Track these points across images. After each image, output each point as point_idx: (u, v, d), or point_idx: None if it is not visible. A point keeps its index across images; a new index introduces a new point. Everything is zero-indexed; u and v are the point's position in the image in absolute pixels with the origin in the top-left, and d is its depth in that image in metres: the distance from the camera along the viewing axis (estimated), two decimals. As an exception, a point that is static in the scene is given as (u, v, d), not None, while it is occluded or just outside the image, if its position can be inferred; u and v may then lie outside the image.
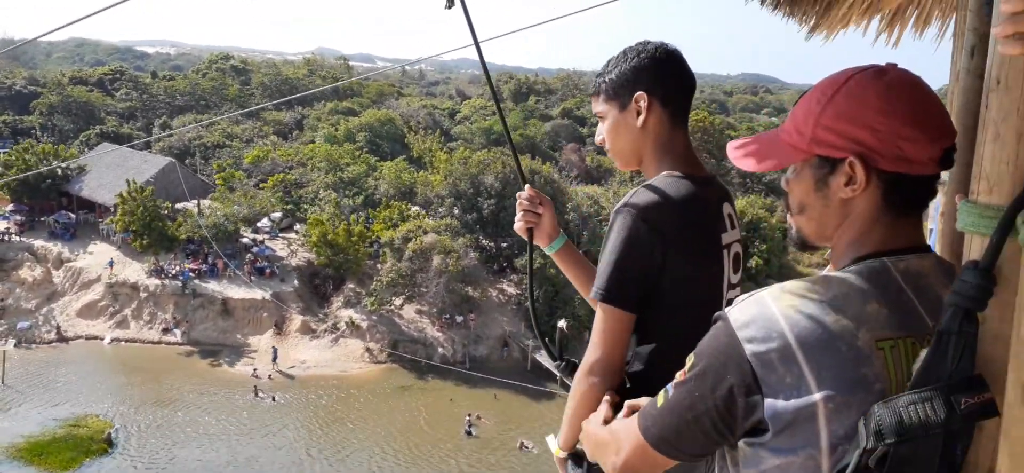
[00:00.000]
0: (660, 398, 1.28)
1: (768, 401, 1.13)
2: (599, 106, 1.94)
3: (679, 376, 1.25)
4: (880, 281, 1.18)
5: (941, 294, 1.17)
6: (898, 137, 1.18)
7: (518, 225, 2.17)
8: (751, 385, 1.14)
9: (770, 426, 1.14)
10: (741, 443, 1.21)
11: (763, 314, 1.15)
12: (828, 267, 1.34)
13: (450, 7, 2.08)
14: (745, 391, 1.15)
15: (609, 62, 1.91)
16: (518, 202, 2.19)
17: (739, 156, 1.39)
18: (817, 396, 1.11)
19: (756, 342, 1.14)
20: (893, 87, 1.20)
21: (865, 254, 1.24)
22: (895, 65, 1.26)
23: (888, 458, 1.15)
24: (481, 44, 2.18)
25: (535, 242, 2.17)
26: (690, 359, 1.24)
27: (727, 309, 1.22)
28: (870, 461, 1.09)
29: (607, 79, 1.89)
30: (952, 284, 1.14)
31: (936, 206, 4.36)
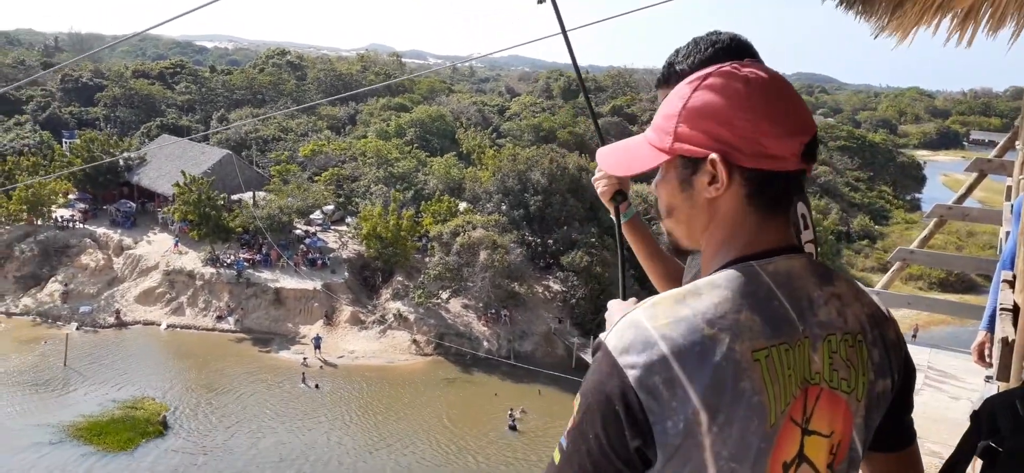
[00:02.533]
0: (556, 454, 1.22)
1: (656, 428, 1.10)
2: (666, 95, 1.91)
3: (570, 423, 1.20)
4: (750, 287, 1.16)
5: (813, 296, 1.19)
6: (757, 133, 1.16)
7: (602, 190, 2.13)
8: (638, 414, 1.10)
9: (660, 454, 1.11)
10: None
11: (640, 337, 1.12)
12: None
13: (541, 2, 2.16)
14: (633, 421, 1.11)
15: (680, 51, 1.87)
16: (596, 172, 2.16)
17: (609, 162, 1.38)
18: (701, 416, 1.08)
19: (638, 368, 1.10)
20: (751, 83, 1.19)
21: (734, 257, 1.21)
22: (753, 61, 1.27)
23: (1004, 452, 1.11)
24: (569, 34, 2.25)
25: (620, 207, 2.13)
26: (577, 400, 1.19)
27: (604, 336, 1.18)
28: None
29: (677, 69, 1.84)
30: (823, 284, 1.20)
31: (1016, 210, 4.16)
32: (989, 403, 1.85)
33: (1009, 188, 7.44)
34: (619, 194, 2.08)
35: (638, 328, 1.13)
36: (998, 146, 9.00)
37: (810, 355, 1.16)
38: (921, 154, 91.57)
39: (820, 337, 1.18)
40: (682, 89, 1.24)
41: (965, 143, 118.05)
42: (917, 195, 71.18)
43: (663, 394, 1.09)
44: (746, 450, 1.10)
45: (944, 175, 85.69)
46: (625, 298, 1.94)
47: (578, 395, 1.19)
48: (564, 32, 2.25)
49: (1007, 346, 2.85)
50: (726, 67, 1.22)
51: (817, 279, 1.22)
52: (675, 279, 2.12)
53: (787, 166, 1.19)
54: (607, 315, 1.90)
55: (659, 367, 1.09)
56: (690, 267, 1.90)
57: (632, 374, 1.10)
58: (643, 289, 2.02)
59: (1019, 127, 8.02)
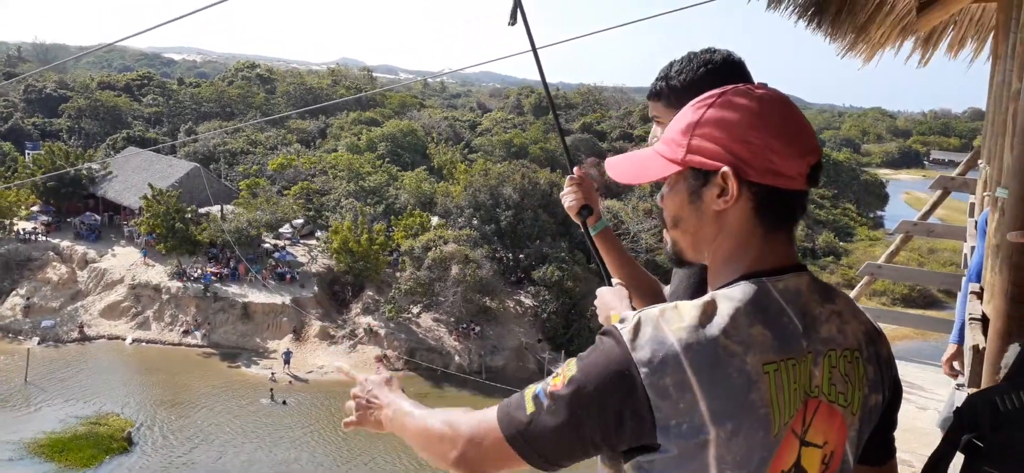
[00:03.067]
0: (529, 403, 1.22)
1: (660, 427, 1.14)
2: (659, 110, 1.92)
3: (556, 383, 1.20)
4: (762, 302, 1.20)
5: (816, 313, 1.24)
6: (768, 150, 1.21)
7: (569, 204, 2.20)
8: (643, 411, 1.13)
9: (660, 450, 1.15)
10: (627, 465, 1.22)
11: (657, 336, 1.15)
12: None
13: (513, 24, 2.22)
14: (637, 417, 1.14)
15: (673, 65, 1.88)
16: (566, 184, 2.23)
17: (618, 172, 1.41)
18: (709, 423, 1.12)
19: (651, 367, 1.13)
20: (764, 103, 1.23)
21: (744, 272, 1.25)
22: (765, 84, 1.31)
23: (985, 446, 1.18)
24: (538, 52, 2.33)
25: (587, 221, 2.20)
26: (571, 369, 1.20)
27: (617, 326, 1.20)
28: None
29: (670, 84, 1.86)
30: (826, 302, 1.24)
31: (980, 226, 4.37)
32: (970, 401, 1.99)
33: (972, 205, 7.71)
34: (585, 208, 2.16)
35: (655, 327, 1.16)
36: (961, 165, 9.31)
37: (812, 370, 1.21)
38: (883, 173, 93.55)
39: (822, 353, 1.22)
40: (697, 103, 1.28)
41: (925, 162, 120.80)
42: (880, 213, 72.61)
43: (672, 395, 1.12)
44: (749, 458, 1.15)
45: (906, 193, 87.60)
46: (610, 285, 2.05)
47: (574, 364, 1.20)
48: (534, 50, 2.32)
49: (978, 354, 2.98)
50: (743, 87, 1.27)
51: (820, 296, 1.26)
52: (644, 288, 2.18)
53: (794, 185, 1.23)
54: (597, 302, 2.02)
55: (672, 369, 1.12)
56: (676, 277, 1.96)
57: (644, 371, 1.13)
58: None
59: (980, 146, 8.34)
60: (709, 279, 1.31)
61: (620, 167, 1.41)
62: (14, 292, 40.36)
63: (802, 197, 1.26)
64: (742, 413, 1.12)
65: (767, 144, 1.20)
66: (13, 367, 33.47)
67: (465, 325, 37.99)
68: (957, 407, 2.01)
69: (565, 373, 1.20)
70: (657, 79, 1.92)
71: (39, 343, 36.58)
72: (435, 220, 43.72)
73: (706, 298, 1.21)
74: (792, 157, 1.21)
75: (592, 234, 2.18)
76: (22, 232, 44.14)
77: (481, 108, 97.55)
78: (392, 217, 44.58)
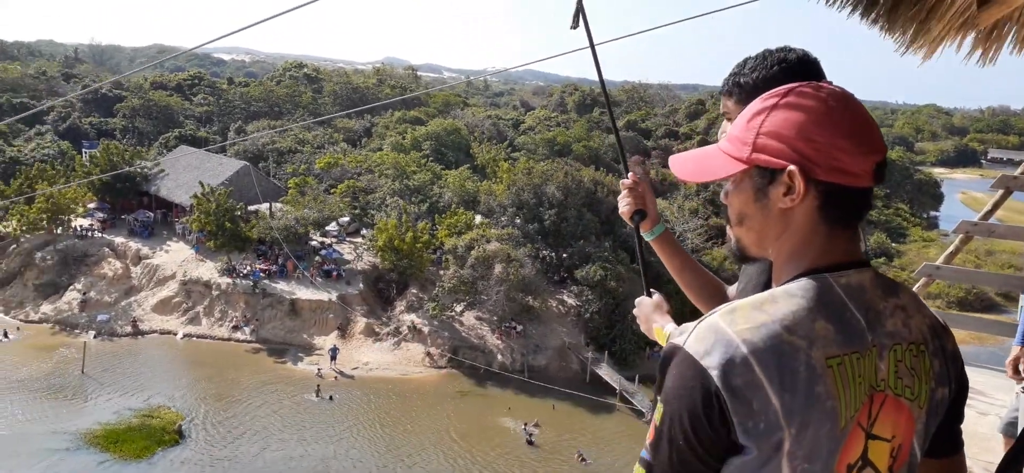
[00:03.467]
0: (638, 471, 1.24)
1: (740, 429, 1.15)
2: (729, 107, 1.93)
3: (651, 434, 1.23)
4: (825, 298, 1.22)
5: (880, 308, 1.26)
6: (834, 149, 1.22)
7: (623, 209, 2.23)
8: (724, 414, 1.15)
9: (744, 452, 1.17)
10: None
11: (722, 340, 1.17)
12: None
13: (575, 27, 2.27)
14: (723, 422, 1.15)
15: (747, 63, 1.90)
16: (621, 188, 2.25)
17: (682, 170, 1.42)
18: (781, 418, 1.14)
19: (721, 369, 1.15)
20: (830, 101, 1.24)
21: (806, 268, 1.26)
22: (831, 82, 1.32)
23: None
24: (597, 50, 2.35)
25: (641, 225, 2.22)
26: (659, 408, 1.23)
27: (680, 339, 1.22)
28: None
29: (742, 81, 1.88)
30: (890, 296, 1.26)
31: None
32: None
33: None
34: (639, 213, 2.19)
35: (719, 332, 1.18)
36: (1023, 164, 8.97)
37: (877, 363, 1.22)
38: (938, 172, 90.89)
39: (887, 346, 1.24)
40: (762, 103, 1.29)
41: (983, 161, 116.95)
42: (934, 213, 70.61)
43: (746, 395, 1.13)
44: (818, 452, 1.16)
45: (962, 193, 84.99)
46: (649, 295, 2.08)
47: (659, 402, 1.22)
48: (593, 49, 2.32)
49: None
50: (807, 85, 1.27)
51: (883, 291, 1.28)
52: (708, 290, 2.18)
53: (860, 182, 1.24)
54: (636, 311, 2.09)
55: (741, 369, 1.14)
56: (743, 276, 1.96)
57: (716, 375, 1.14)
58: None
59: None
60: (773, 275, 1.33)
61: (685, 165, 1.42)
62: (71, 287, 41.68)
63: (867, 194, 1.28)
64: (810, 407, 1.14)
65: (833, 142, 1.22)
66: (70, 359, 34.56)
67: (508, 324, 38.00)
68: None
69: (655, 418, 1.23)
70: (730, 75, 1.92)
71: (95, 336, 37.72)
72: (478, 218, 43.82)
73: (766, 295, 1.24)
74: (858, 155, 1.23)
75: (649, 239, 2.21)
76: (79, 228, 45.57)
77: (524, 106, 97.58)
78: (436, 215, 44.85)
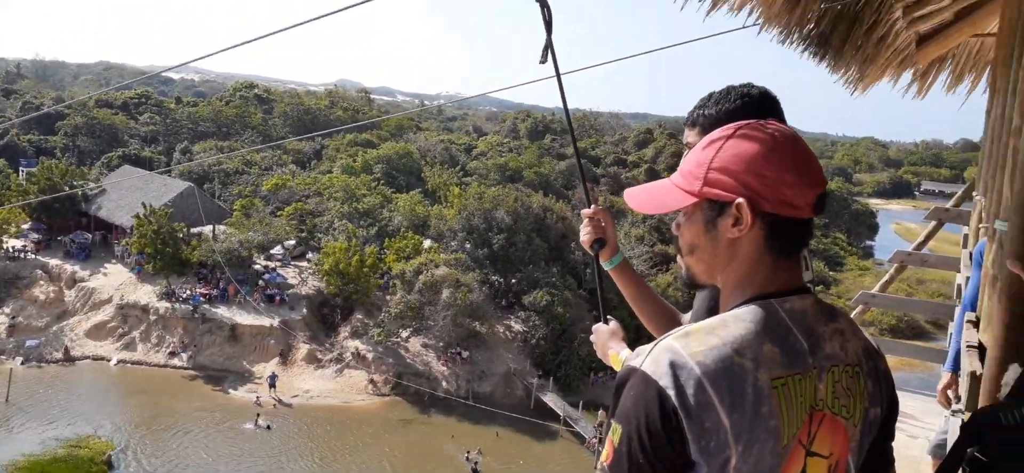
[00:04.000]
0: None
1: (693, 447, 1.20)
2: (693, 138, 1.99)
3: (606, 454, 1.27)
4: (771, 322, 1.28)
5: (820, 332, 1.32)
6: (780, 183, 1.29)
7: (584, 238, 2.27)
8: (679, 434, 1.19)
9: (695, 469, 1.21)
10: None
11: (677, 361, 1.21)
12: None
13: (544, 62, 2.33)
14: (678, 438, 1.20)
15: (711, 96, 1.98)
16: (583, 217, 2.30)
17: (637, 202, 1.49)
18: (730, 437, 1.19)
19: (676, 389, 1.19)
20: (776, 138, 1.32)
21: (752, 294, 1.33)
22: (775, 121, 1.39)
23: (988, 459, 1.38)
24: (555, 81, 2.41)
25: (601, 254, 2.27)
26: (616, 428, 1.26)
27: (636, 361, 1.26)
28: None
29: (707, 113, 1.95)
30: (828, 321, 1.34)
31: (975, 257, 4.44)
32: (975, 417, 2.19)
33: (966, 236, 7.81)
34: (598, 241, 2.24)
35: (674, 353, 1.22)
36: (955, 196, 9.39)
37: (817, 384, 1.28)
38: (874, 202, 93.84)
39: (825, 368, 1.30)
40: (713, 138, 1.36)
41: (916, 192, 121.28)
42: (870, 242, 72.75)
43: (699, 415, 1.18)
44: (761, 468, 1.21)
45: (896, 223, 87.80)
46: (606, 322, 2.15)
47: (615, 422, 1.26)
48: (560, 83, 2.40)
49: (975, 380, 3.08)
50: (755, 123, 1.35)
51: (824, 316, 1.35)
52: (664, 318, 2.24)
53: (802, 214, 1.32)
54: (593, 338, 2.15)
55: (695, 390, 1.19)
56: (697, 302, 2.02)
57: (673, 394, 1.19)
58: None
59: (975, 178, 8.37)
60: (721, 301, 1.40)
61: (640, 197, 1.49)
62: (0, 311, 40.10)
63: (808, 225, 1.35)
64: (756, 426, 1.19)
65: (780, 177, 1.29)
66: (-5, 387, 33.15)
67: (454, 350, 37.81)
68: (963, 422, 2.18)
69: (612, 437, 1.26)
70: (694, 109, 2.01)
71: (23, 363, 36.30)
72: (427, 243, 43.66)
73: (717, 320, 1.29)
74: (801, 188, 1.30)
75: (608, 268, 2.26)
76: (11, 250, 43.96)
77: (477, 131, 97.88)
78: (386, 239, 44.53)
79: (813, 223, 1.38)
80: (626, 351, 2.05)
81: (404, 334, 38.33)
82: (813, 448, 1.28)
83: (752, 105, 1.88)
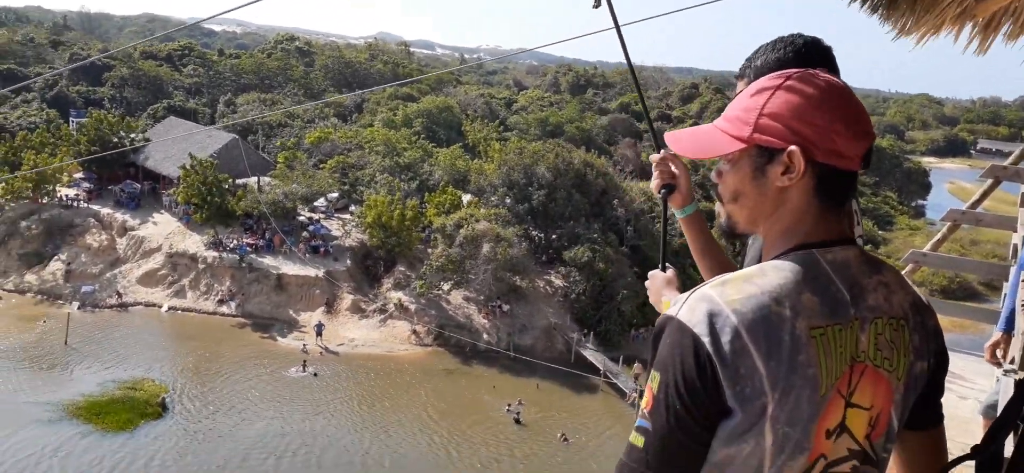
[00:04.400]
0: (636, 439, 1.27)
1: (729, 394, 1.20)
2: (742, 88, 1.95)
3: (646, 401, 1.27)
4: (812, 272, 1.28)
5: (863, 283, 1.32)
6: (832, 132, 1.28)
7: (654, 183, 2.25)
8: (715, 380, 1.20)
9: (732, 416, 1.22)
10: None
11: (714, 310, 1.22)
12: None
13: (597, 6, 2.28)
14: (713, 386, 1.20)
15: (762, 47, 1.96)
16: (653, 163, 2.27)
17: (679, 146, 1.49)
18: (767, 385, 1.19)
19: (711, 337, 1.20)
20: (828, 88, 1.31)
21: (796, 244, 1.33)
22: (824, 71, 1.37)
23: None
24: (607, 32, 2.44)
25: (670, 202, 2.25)
26: (654, 376, 1.27)
27: (673, 310, 1.27)
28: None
29: (757, 63, 1.94)
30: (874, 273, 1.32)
31: None
32: None
33: None
34: (668, 187, 2.22)
35: (710, 302, 1.23)
36: (1014, 154, 9.04)
37: (858, 335, 1.28)
38: (928, 161, 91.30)
39: (868, 320, 1.30)
40: (763, 85, 1.34)
41: (972, 151, 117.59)
42: (922, 201, 71.00)
43: (734, 362, 1.19)
44: (799, 417, 1.22)
45: (950, 182, 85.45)
46: (664, 270, 2.16)
47: (654, 370, 1.27)
48: (618, 30, 2.34)
49: None
50: (805, 72, 1.33)
51: (868, 268, 1.34)
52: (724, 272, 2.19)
53: (851, 165, 1.32)
54: (648, 284, 2.17)
55: (731, 337, 1.19)
56: (749, 255, 2.02)
57: (707, 342, 1.20)
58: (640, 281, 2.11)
59: None
60: (764, 251, 1.39)
61: (683, 141, 1.47)
62: (56, 257, 41.39)
63: (854, 177, 1.35)
64: (792, 374, 1.20)
65: (831, 126, 1.28)
66: (54, 330, 34.38)
67: (494, 303, 38.03)
68: (1017, 381, 2.08)
69: (651, 385, 1.27)
70: (746, 60, 2.00)
71: (79, 308, 37.51)
72: (467, 198, 43.72)
73: (755, 268, 1.30)
74: (852, 139, 1.29)
75: (680, 216, 2.24)
76: (65, 198, 45.18)
77: (517, 86, 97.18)
78: (426, 193, 44.70)
79: (858, 176, 1.37)
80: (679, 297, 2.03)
81: (445, 287, 38.64)
82: (853, 399, 1.28)
83: (802, 55, 1.86)
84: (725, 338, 1.19)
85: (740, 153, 1.36)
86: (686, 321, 1.22)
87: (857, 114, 1.31)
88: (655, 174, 2.25)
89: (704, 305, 1.23)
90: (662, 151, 2.25)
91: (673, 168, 2.21)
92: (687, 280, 1.97)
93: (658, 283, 2.13)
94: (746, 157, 1.35)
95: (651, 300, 2.14)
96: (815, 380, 1.21)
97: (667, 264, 2.17)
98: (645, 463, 1.26)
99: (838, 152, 1.28)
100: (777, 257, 1.32)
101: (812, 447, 1.25)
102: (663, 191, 2.22)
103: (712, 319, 1.20)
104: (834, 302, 1.26)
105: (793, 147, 1.28)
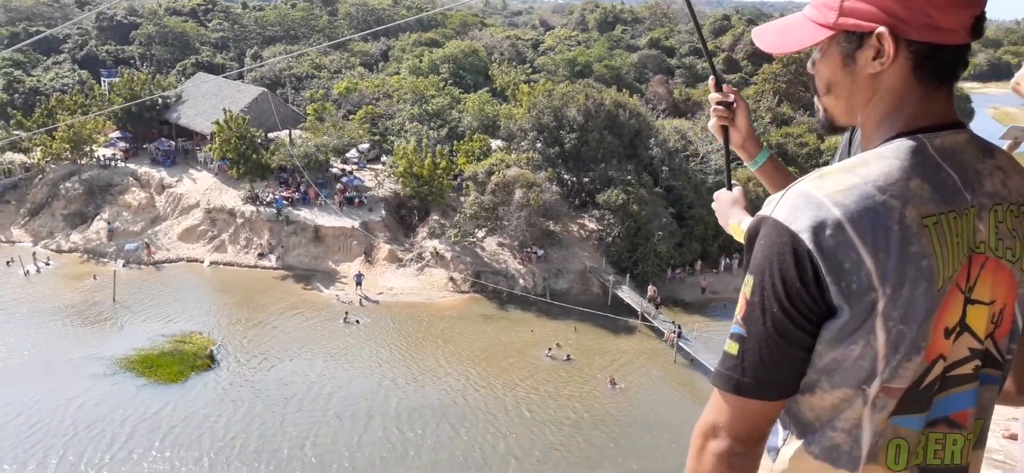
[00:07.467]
0: (730, 347, 1.23)
1: (832, 290, 1.13)
2: None
3: (741, 307, 1.21)
4: (918, 158, 1.18)
5: (978, 168, 1.21)
6: (926, 4, 1.16)
7: (711, 123, 2.14)
8: (817, 275, 1.13)
9: (837, 315, 1.15)
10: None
11: (812, 203, 1.14)
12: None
13: None
14: (815, 283, 1.14)
15: None
16: (711, 103, 2.14)
17: (765, 41, 1.39)
18: (874, 278, 1.11)
19: (811, 231, 1.12)
20: None
21: (899, 131, 1.22)
22: None
23: None
24: None
25: (730, 144, 2.11)
26: (748, 280, 1.21)
27: (768, 210, 1.20)
28: None
29: None
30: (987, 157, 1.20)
31: None
32: None
33: None
34: (725, 128, 2.10)
35: (808, 196, 1.16)
36: None
37: (976, 224, 1.19)
38: (969, 86, 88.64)
39: (987, 207, 1.21)
40: None
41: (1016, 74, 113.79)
42: (963, 129, 69.25)
43: (837, 256, 1.12)
44: (914, 313, 1.14)
45: (993, 108, 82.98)
46: (730, 189, 2.08)
47: (748, 275, 1.21)
48: None
49: None
50: None
51: (981, 153, 1.25)
52: None
53: (955, 39, 1.19)
54: (714, 205, 2.08)
55: (833, 231, 1.12)
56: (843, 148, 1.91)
57: (807, 237, 1.13)
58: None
59: None
60: (863, 142, 1.30)
61: (770, 37, 1.39)
62: (98, 216, 42.29)
63: (963, 51, 1.22)
64: (904, 265, 1.12)
65: None
66: (102, 287, 35.32)
67: (529, 249, 38.16)
68: None
69: (745, 290, 1.21)
70: None
71: (124, 265, 38.42)
72: (495, 144, 43.51)
73: (856, 159, 1.21)
74: (953, 9, 1.17)
75: (752, 168, 2.12)
76: (102, 158, 45.91)
77: (544, 26, 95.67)
78: (455, 141, 44.55)
79: (969, 49, 1.23)
80: (747, 219, 1.98)
81: (480, 234, 38.81)
82: (973, 295, 1.19)
83: None
84: (826, 232, 1.12)
85: (829, 41, 1.28)
86: (783, 219, 1.16)
87: None
88: (713, 114, 2.11)
89: (802, 200, 1.16)
90: (723, 87, 2.11)
91: (733, 105, 2.06)
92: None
93: (724, 202, 2.04)
94: (835, 44, 1.27)
95: (719, 221, 2.07)
96: (930, 272, 1.13)
97: (733, 182, 2.09)
98: (741, 370, 1.20)
99: (936, 26, 1.17)
100: (878, 146, 1.23)
101: (929, 346, 1.17)
102: (723, 130, 2.07)
103: (811, 213, 1.13)
104: (946, 188, 1.17)
105: (881, 28, 1.18)
